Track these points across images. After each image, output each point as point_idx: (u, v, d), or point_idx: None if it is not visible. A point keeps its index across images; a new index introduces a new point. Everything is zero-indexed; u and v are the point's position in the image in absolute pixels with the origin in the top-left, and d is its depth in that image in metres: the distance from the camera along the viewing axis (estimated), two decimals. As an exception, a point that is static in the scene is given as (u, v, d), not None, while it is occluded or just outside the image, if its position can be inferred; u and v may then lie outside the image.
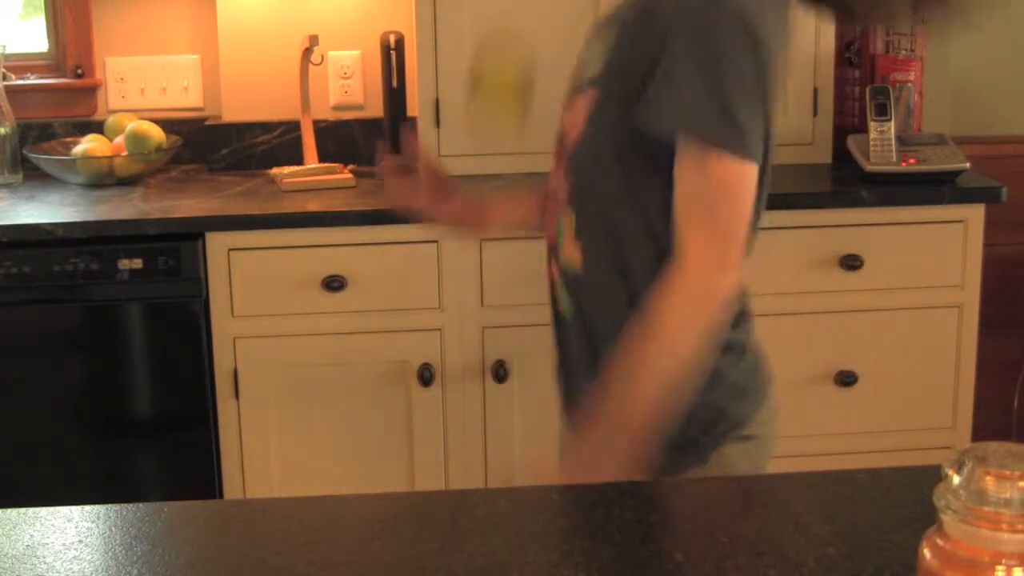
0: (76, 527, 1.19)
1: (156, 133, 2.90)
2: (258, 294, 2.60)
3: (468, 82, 1.64)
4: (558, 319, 1.69)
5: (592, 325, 1.60)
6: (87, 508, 1.23)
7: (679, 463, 1.55)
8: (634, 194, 1.53)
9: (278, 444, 2.67)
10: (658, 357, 1.46)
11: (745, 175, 1.46)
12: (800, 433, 2.74)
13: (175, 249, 2.56)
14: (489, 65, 1.65)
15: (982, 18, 1.54)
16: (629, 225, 1.54)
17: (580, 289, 1.60)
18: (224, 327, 2.61)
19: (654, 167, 1.50)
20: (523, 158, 2.87)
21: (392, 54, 2.90)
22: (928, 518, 0.89)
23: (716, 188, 1.46)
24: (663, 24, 1.47)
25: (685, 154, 1.47)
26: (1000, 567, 0.84)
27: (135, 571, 1.10)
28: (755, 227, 1.58)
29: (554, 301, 1.70)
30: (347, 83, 3.08)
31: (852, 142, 2.84)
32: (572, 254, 1.60)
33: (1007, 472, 0.85)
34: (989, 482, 0.84)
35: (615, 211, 1.53)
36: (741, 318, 1.65)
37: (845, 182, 2.78)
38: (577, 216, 1.58)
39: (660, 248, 1.51)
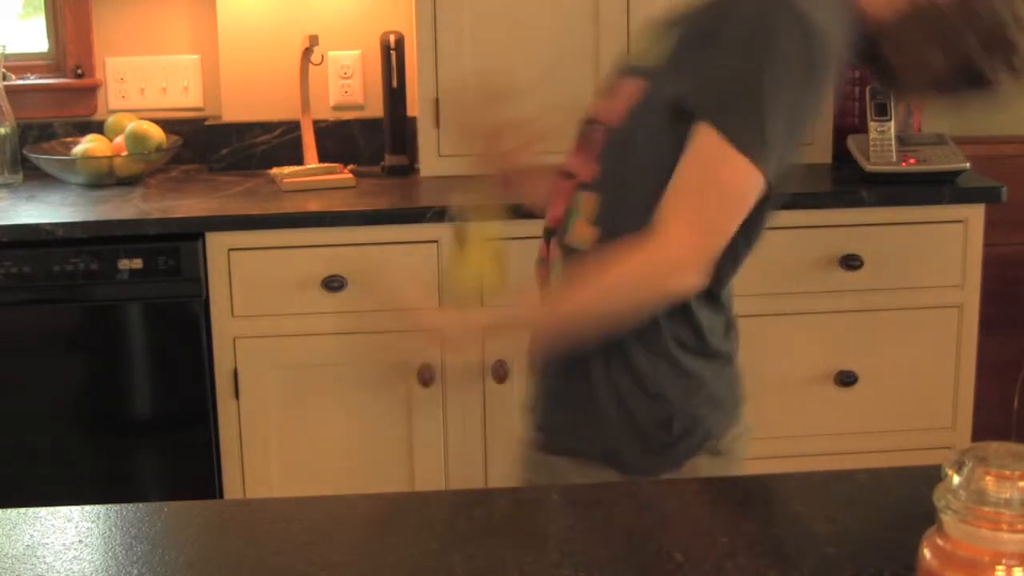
0: (76, 527, 1.19)
1: (156, 133, 2.90)
2: (258, 294, 2.60)
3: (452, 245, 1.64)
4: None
5: None
6: (87, 508, 1.23)
7: (655, 468, 1.56)
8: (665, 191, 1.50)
9: (278, 444, 2.66)
10: (585, 300, 1.49)
11: (751, 183, 1.45)
12: (800, 433, 2.74)
13: (175, 249, 2.56)
14: (470, 228, 1.65)
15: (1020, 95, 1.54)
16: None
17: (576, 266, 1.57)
18: (224, 327, 2.61)
19: None
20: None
21: (392, 54, 2.90)
22: (928, 518, 0.89)
23: (719, 184, 1.46)
24: (731, 26, 1.46)
25: (701, 137, 1.45)
26: (1000, 567, 0.84)
27: (135, 571, 1.10)
28: (748, 244, 1.57)
29: (543, 283, 1.69)
30: (347, 83, 3.08)
31: (852, 142, 2.84)
32: (584, 235, 1.58)
33: (1007, 472, 0.85)
34: (989, 482, 0.84)
35: (646, 205, 1.50)
36: (729, 329, 1.64)
37: (845, 182, 2.78)
38: (601, 201, 1.56)
39: None
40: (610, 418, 1.57)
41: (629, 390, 1.57)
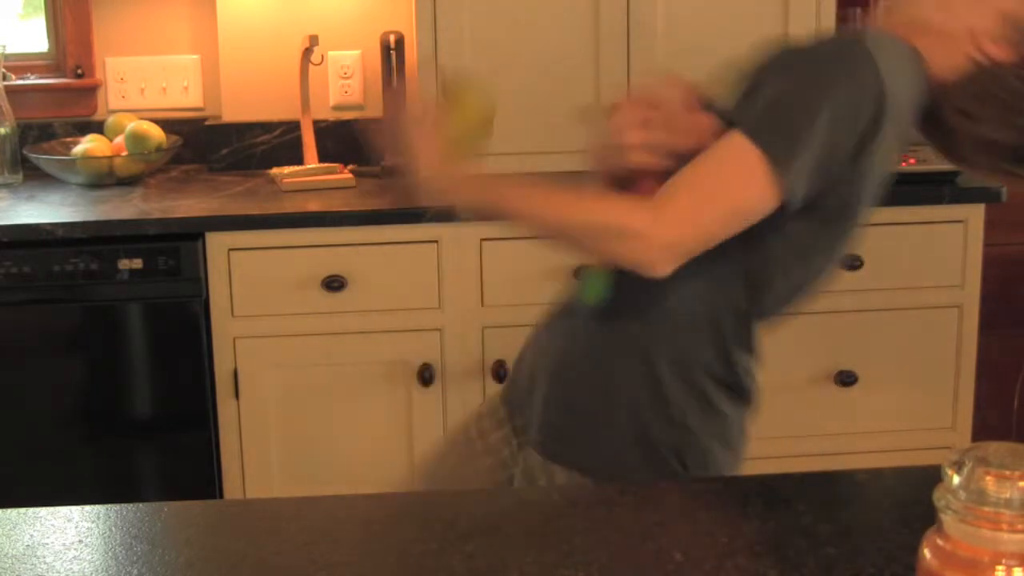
0: (76, 527, 1.19)
1: (156, 133, 2.90)
2: (258, 294, 2.60)
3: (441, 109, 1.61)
4: (565, 310, 1.66)
5: (620, 321, 1.57)
6: (87, 508, 1.23)
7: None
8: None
9: (278, 444, 2.67)
10: (555, 204, 1.48)
11: (762, 191, 1.41)
12: (800, 433, 2.74)
13: (175, 249, 2.56)
14: (459, 98, 1.63)
15: None
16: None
17: (627, 283, 1.54)
18: (224, 327, 2.61)
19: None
20: (522, 158, 2.88)
21: (392, 54, 2.90)
22: (928, 518, 0.89)
23: (728, 180, 1.43)
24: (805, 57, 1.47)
25: (730, 137, 1.43)
26: (1000, 567, 0.84)
27: (135, 571, 1.10)
28: (788, 277, 1.54)
29: (573, 291, 1.66)
30: (347, 83, 3.08)
31: (852, 142, 2.84)
32: None
33: (1007, 472, 0.85)
34: (989, 482, 0.84)
35: None
36: (755, 373, 1.63)
37: (845, 182, 2.77)
38: None
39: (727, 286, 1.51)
40: (625, 438, 1.56)
41: (652, 414, 1.55)
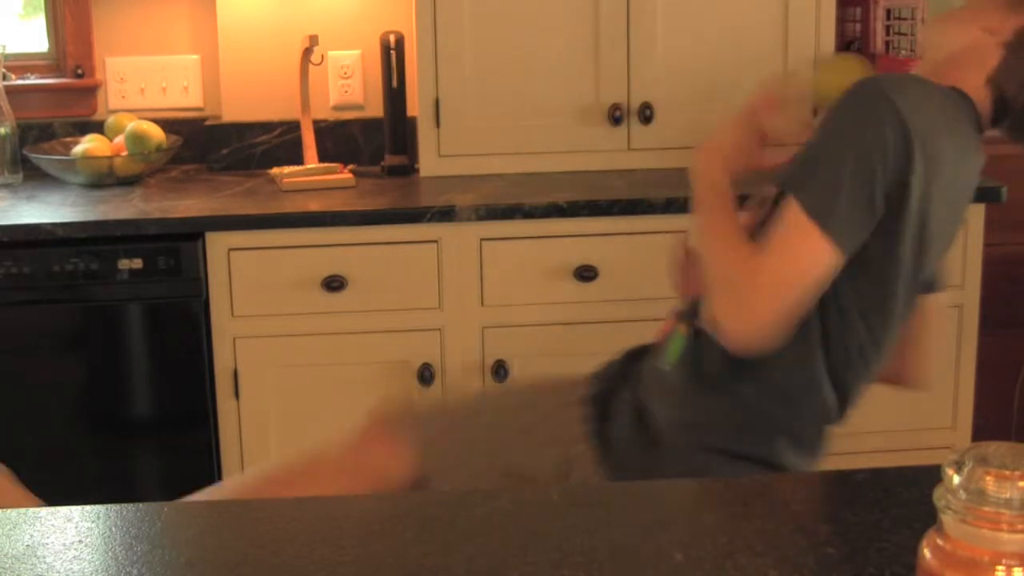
0: (76, 527, 1.19)
1: (156, 133, 2.90)
2: (258, 294, 2.60)
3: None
4: (643, 374, 1.75)
5: (706, 386, 1.67)
6: (87, 508, 1.23)
7: (724, 470, 1.64)
8: None
9: (278, 444, 2.66)
10: (714, 253, 1.62)
11: (821, 250, 1.50)
12: (800, 433, 2.74)
13: (175, 249, 2.56)
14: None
15: None
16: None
17: (713, 348, 1.63)
18: (224, 327, 2.61)
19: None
20: (522, 158, 2.88)
21: (392, 54, 2.90)
22: (928, 518, 0.89)
23: (793, 250, 1.52)
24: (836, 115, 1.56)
25: (785, 206, 1.54)
26: (1000, 567, 0.84)
27: (135, 571, 1.10)
28: (871, 331, 1.62)
29: (651, 354, 1.77)
30: (347, 83, 3.08)
31: (852, 142, 2.84)
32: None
33: (1007, 472, 0.85)
34: (989, 482, 0.84)
35: None
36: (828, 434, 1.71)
37: (845, 182, 2.77)
38: None
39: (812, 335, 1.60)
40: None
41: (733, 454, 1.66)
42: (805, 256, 1.51)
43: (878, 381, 1.75)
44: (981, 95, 1.61)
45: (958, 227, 1.69)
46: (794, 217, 1.52)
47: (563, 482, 1.68)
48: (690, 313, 1.73)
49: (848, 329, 1.61)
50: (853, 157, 1.50)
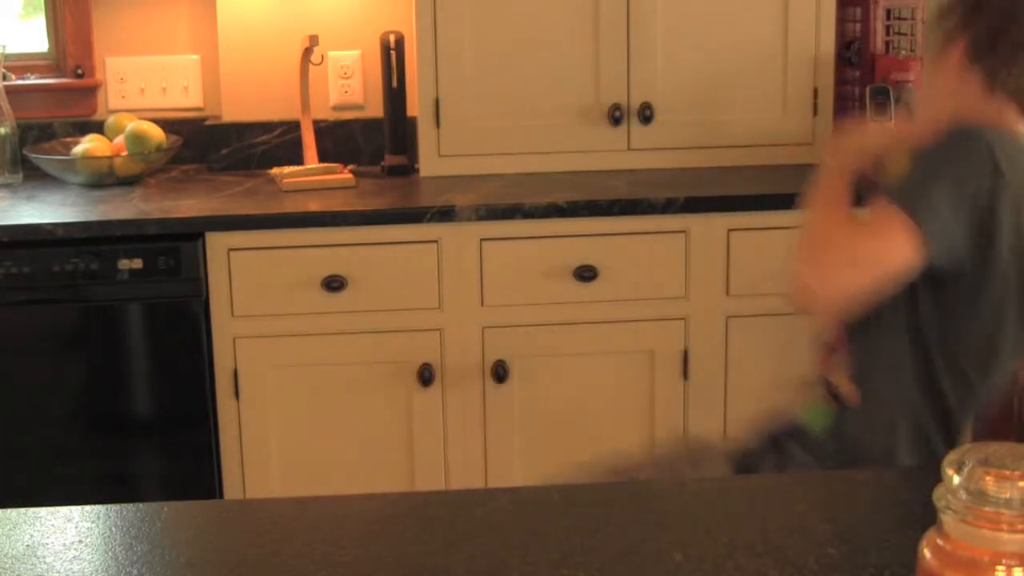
0: (76, 527, 1.19)
1: (156, 133, 2.90)
2: (258, 294, 2.60)
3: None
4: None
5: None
6: (87, 508, 1.23)
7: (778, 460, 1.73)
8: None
9: (278, 444, 2.66)
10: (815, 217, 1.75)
11: (906, 239, 1.56)
12: (800, 433, 2.74)
13: (175, 249, 2.56)
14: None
15: None
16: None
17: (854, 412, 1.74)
18: (224, 327, 2.61)
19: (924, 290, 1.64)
20: (522, 158, 2.88)
21: (392, 54, 2.90)
22: (928, 518, 0.89)
23: (874, 230, 1.60)
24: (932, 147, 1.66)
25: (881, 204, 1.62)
26: (1000, 567, 0.84)
27: (135, 571, 1.10)
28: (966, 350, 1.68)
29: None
30: (347, 83, 3.08)
31: (852, 142, 2.84)
32: (846, 389, 1.76)
33: (1007, 472, 0.85)
34: (989, 482, 0.84)
35: (891, 360, 1.71)
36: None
37: (845, 182, 2.77)
38: (853, 359, 1.75)
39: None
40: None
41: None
42: (894, 238, 1.57)
43: None
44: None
45: None
46: (888, 207, 1.60)
47: None
48: (825, 383, 1.81)
49: (958, 381, 1.69)
50: (951, 181, 1.58)
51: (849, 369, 1.74)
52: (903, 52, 2.97)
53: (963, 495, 0.85)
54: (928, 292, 1.64)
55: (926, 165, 1.62)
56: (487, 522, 1.20)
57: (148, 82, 3.12)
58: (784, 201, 2.67)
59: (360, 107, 3.09)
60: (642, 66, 2.85)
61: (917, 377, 1.69)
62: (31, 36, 3.16)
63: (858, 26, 2.98)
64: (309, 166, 2.88)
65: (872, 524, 1.18)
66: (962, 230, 1.58)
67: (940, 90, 1.73)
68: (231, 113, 3.06)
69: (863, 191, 1.76)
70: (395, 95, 2.92)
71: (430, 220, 2.59)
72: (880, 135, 1.83)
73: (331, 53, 3.03)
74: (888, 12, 2.97)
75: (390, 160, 2.94)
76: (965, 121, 1.64)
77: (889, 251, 1.58)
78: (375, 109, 3.04)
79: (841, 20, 2.94)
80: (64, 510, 1.22)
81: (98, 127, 3.02)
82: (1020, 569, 0.83)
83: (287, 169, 2.88)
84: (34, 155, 2.89)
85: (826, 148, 1.83)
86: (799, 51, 2.88)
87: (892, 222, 1.57)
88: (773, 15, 2.87)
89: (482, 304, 2.65)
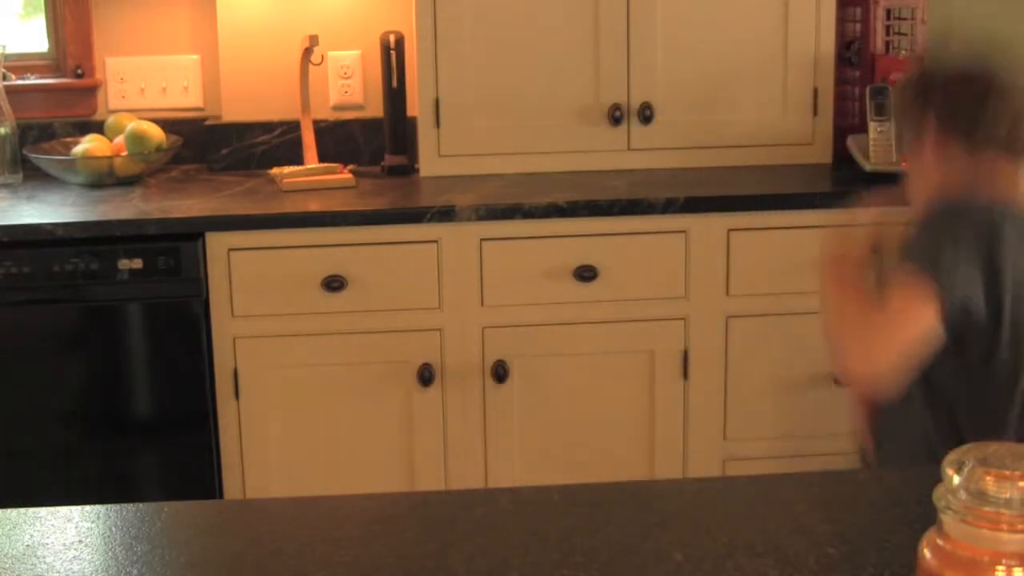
0: (76, 527, 1.19)
1: (156, 133, 2.89)
2: (258, 294, 2.60)
3: None
4: None
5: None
6: (87, 508, 1.23)
7: None
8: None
9: (278, 444, 2.66)
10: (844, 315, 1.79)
11: (922, 298, 1.65)
12: (800, 433, 2.74)
13: (175, 249, 2.56)
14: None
15: None
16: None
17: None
18: (224, 327, 2.61)
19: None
20: (522, 158, 2.88)
21: (392, 54, 2.90)
22: (928, 518, 0.89)
23: (894, 300, 1.68)
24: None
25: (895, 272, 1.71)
26: (1000, 567, 0.84)
27: (135, 571, 1.10)
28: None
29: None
30: (347, 83, 3.08)
31: (852, 142, 2.84)
32: (867, 443, 1.87)
33: (1007, 472, 0.85)
34: (989, 482, 0.84)
35: (905, 415, 1.80)
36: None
37: (845, 182, 2.78)
38: (874, 416, 1.85)
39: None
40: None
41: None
42: (915, 302, 1.66)
43: None
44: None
45: None
46: (900, 276, 1.69)
47: None
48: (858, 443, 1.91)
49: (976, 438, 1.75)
50: (950, 237, 1.68)
51: (872, 428, 1.82)
52: (903, 52, 2.97)
53: (963, 495, 0.85)
54: (946, 352, 1.70)
55: (926, 233, 1.73)
56: (487, 522, 1.20)
57: (148, 82, 3.12)
58: (784, 201, 2.68)
59: (360, 107, 3.09)
60: (642, 66, 2.85)
61: (936, 435, 1.75)
62: (31, 36, 3.16)
63: (858, 26, 2.98)
64: (309, 166, 2.88)
65: (872, 524, 1.18)
66: (972, 281, 1.66)
67: (926, 167, 1.82)
68: (231, 113, 3.06)
69: (873, 271, 1.84)
70: (395, 95, 2.92)
71: (430, 220, 2.59)
72: (877, 218, 1.92)
73: (331, 53, 3.03)
74: (888, 12, 2.97)
75: (390, 160, 2.94)
76: (954, 192, 1.74)
77: (915, 315, 1.66)
78: (375, 109, 3.04)
79: (841, 20, 2.94)
80: (64, 510, 1.22)
81: (98, 127, 3.01)
82: (1020, 569, 0.83)
83: (287, 169, 2.88)
84: (34, 155, 2.89)
85: (829, 239, 1.91)
86: (799, 51, 2.88)
87: (909, 288, 1.66)
88: (773, 15, 2.87)
89: (482, 304, 2.65)
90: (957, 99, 1.77)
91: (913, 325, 1.67)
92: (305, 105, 2.89)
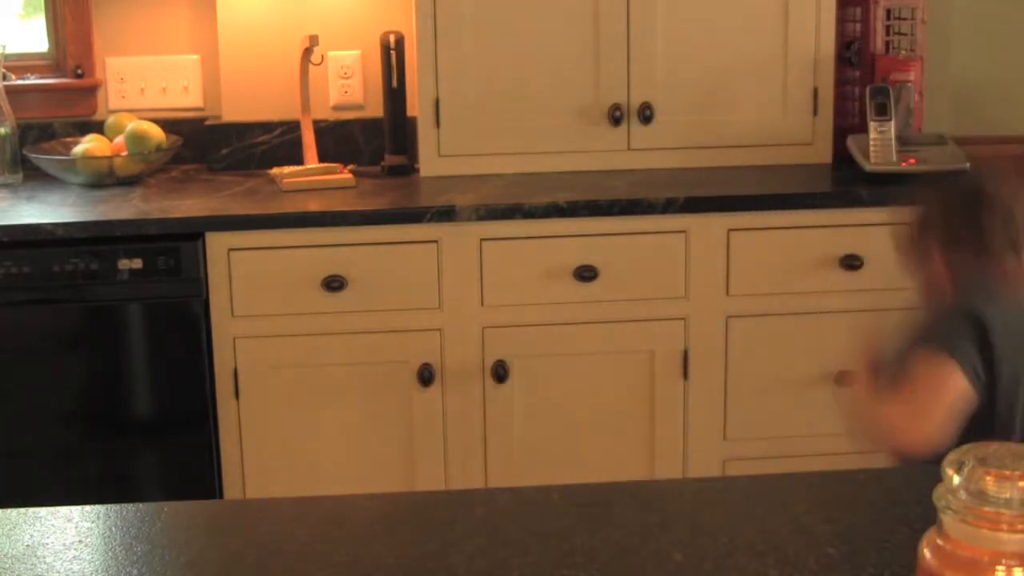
0: (76, 527, 1.19)
1: (156, 133, 2.89)
2: (258, 294, 2.60)
3: None
4: None
5: None
6: (87, 508, 1.23)
7: None
8: None
9: (278, 444, 2.66)
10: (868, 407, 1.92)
11: (945, 371, 1.76)
12: (800, 433, 2.74)
13: (175, 249, 2.56)
14: None
15: None
16: None
17: None
18: (224, 327, 2.61)
19: None
20: (522, 158, 2.88)
21: (392, 54, 2.90)
22: (928, 518, 0.89)
23: (920, 377, 1.78)
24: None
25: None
26: (1000, 567, 0.84)
27: (135, 571, 1.10)
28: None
29: None
30: (347, 83, 3.08)
31: (852, 142, 2.84)
32: None
33: (1007, 472, 0.85)
34: (989, 482, 0.84)
35: None
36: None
37: (845, 182, 2.78)
38: None
39: None
40: None
41: None
42: (940, 373, 1.76)
43: None
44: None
45: None
46: (921, 356, 1.79)
47: None
48: None
49: None
50: (955, 322, 1.80)
51: None
52: (903, 52, 2.97)
53: (963, 495, 0.85)
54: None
55: (935, 320, 1.87)
56: (487, 522, 1.20)
57: (148, 82, 3.12)
58: (784, 201, 2.68)
59: (360, 107, 3.09)
60: (642, 66, 2.86)
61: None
62: (31, 36, 3.16)
63: (858, 26, 2.98)
64: (309, 166, 2.88)
65: (872, 524, 1.18)
66: (982, 348, 1.77)
67: (936, 277, 1.92)
68: (231, 113, 3.06)
69: (895, 363, 1.93)
70: (395, 95, 2.92)
71: (430, 220, 2.59)
72: (893, 329, 2.02)
73: (331, 53, 3.03)
74: (888, 12, 2.97)
75: (390, 160, 2.94)
76: (965, 292, 1.86)
77: (947, 381, 1.76)
78: (375, 109, 3.04)
79: (841, 20, 2.94)
80: (64, 510, 1.22)
81: (98, 127, 3.01)
82: (1020, 569, 0.83)
83: (287, 169, 2.88)
84: (34, 155, 2.89)
85: (858, 347, 2.02)
86: (799, 51, 2.88)
87: (932, 364, 1.77)
88: (773, 15, 2.87)
89: (482, 304, 2.65)
90: (955, 224, 1.90)
91: (947, 389, 1.78)
92: (305, 105, 2.89)
